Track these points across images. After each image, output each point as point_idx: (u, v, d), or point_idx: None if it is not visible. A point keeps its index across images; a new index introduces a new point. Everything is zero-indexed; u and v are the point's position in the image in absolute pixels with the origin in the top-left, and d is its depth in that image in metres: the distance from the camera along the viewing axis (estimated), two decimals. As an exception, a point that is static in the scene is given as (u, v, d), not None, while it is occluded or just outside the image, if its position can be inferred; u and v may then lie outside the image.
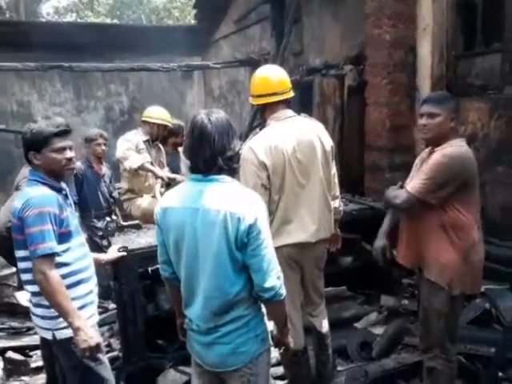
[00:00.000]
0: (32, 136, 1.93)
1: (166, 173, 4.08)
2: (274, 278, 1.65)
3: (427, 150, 2.35)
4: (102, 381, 2.07)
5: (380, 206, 3.57)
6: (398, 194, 2.28)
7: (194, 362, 1.85)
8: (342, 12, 5.03)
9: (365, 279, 3.63)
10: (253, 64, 5.79)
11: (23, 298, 3.69)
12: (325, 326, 2.60)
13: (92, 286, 2.11)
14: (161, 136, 4.16)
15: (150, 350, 2.94)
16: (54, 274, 1.85)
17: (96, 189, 4.45)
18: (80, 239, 2.09)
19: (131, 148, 3.89)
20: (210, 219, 1.61)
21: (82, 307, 1.99)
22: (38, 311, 2.01)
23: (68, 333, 1.92)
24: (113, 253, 2.63)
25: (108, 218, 4.54)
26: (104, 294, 3.58)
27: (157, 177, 3.96)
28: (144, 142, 4.00)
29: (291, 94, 2.42)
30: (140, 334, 2.84)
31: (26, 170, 2.75)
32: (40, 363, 3.08)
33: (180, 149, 4.72)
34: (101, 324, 3.35)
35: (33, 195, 1.90)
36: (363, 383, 2.65)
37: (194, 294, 1.71)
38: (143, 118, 4.08)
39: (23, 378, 3.21)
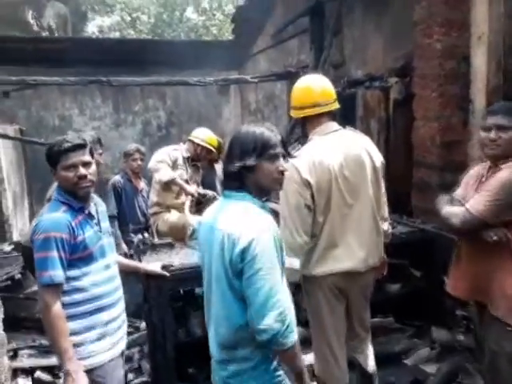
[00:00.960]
0: (47, 152, 1.86)
1: (196, 188, 4.01)
2: (272, 320, 1.37)
3: (484, 165, 2.08)
4: None
5: (430, 229, 3.30)
6: (455, 213, 1.98)
7: None
8: (386, 22, 4.83)
9: (413, 309, 3.32)
10: (291, 77, 5.68)
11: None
12: (371, 365, 2.33)
13: (117, 311, 1.95)
14: (202, 159, 4.15)
15: (180, 378, 2.78)
16: (55, 307, 1.72)
17: (134, 203, 4.42)
18: (105, 261, 1.93)
19: (165, 161, 3.84)
20: (215, 239, 1.48)
21: (101, 337, 1.84)
22: None
23: (87, 364, 1.79)
24: (156, 268, 2.48)
25: (145, 235, 4.46)
26: (136, 313, 3.45)
27: (186, 193, 3.89)
28: (184, 158, 3.98)
29: (336, 106, 2.21)
30: (169, 359, 2.69)
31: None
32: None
33: (216, 165, 4.64)
34: (131, 345, 3.22)
35: (42, 218, 1.82)
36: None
37: (209, 318, 1.59)
38: (190, 137, 4.07)
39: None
